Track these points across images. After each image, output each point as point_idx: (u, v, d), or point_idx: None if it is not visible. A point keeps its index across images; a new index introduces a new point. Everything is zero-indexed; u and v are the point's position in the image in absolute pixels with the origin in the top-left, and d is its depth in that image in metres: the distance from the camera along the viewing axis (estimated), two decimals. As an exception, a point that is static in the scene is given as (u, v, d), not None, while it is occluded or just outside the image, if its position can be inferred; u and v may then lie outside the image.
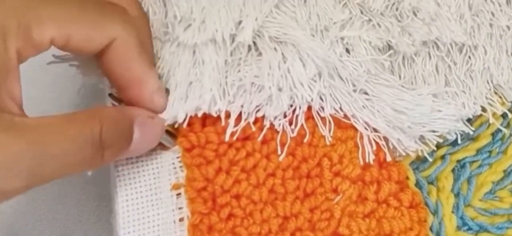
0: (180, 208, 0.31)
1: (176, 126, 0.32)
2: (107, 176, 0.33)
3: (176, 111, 0.31)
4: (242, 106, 0.31)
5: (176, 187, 0.31)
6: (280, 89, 0.32)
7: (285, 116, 0.32)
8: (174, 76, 0.32)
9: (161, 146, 0.32)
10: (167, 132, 0.32)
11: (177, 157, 0.32)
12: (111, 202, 0.32)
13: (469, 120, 0.36)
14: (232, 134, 0.31)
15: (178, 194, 0.32)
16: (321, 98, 0.33)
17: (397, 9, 0.34)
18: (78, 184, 0.46)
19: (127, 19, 0.29)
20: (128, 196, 0.31)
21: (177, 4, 0.32)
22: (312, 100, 0.32)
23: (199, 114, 0.31)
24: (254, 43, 0.32)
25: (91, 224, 0.46)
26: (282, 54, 0.32)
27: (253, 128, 0.32)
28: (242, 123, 0.31)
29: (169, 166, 0.32)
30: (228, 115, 0.32)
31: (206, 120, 0.32)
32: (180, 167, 0.32)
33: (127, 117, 0.29)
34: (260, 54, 0.32)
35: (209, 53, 0.32)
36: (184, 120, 0.31)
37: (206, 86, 0.31)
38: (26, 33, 0.26)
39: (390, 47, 0.35)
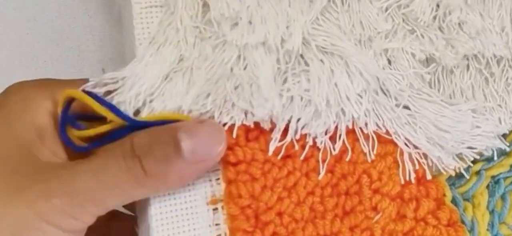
0: (217, 224, 0.30)
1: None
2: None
3: (222, 115, 0.30)
4: (289, 120, 0.30)
5: (214, 202, 0.30)
6: (327, 105, 0.30)
7: (326, 133, 0.31)
8: (216, 76, 0.30)
9: None
10: None
11: (213, 170, 0.31)
12: (141, 216, 0.31)
13: (503, 135, 0.35)
14: (276, 152, 0.30)
15: (214, 209, 0.30)
16: (365, 114, 0.31)
17: (443, 21, 0.33)
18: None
19: None
20: (162, 208, 0.30)
21: (227, 1, 0.29)
22: (359, 117, 0.31)
23: (249, 122, 0.30)
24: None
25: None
26: (330, 67, 0.30)
27: (297, 147, 0.30)
28: (287, 140, 0.30)
29: (204, 178, 0.30)
30: (270, 129, 0.30)
31: (249, 133, 0.30)
32: (216, 179, 0.31)
33: (165, 128, 0.29)
34: (306, 63, 0.31)
35: (260, 56, 0.29)
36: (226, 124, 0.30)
37: (263, 91, 0.29)
38: None
39: (430, 59, 0.34)
